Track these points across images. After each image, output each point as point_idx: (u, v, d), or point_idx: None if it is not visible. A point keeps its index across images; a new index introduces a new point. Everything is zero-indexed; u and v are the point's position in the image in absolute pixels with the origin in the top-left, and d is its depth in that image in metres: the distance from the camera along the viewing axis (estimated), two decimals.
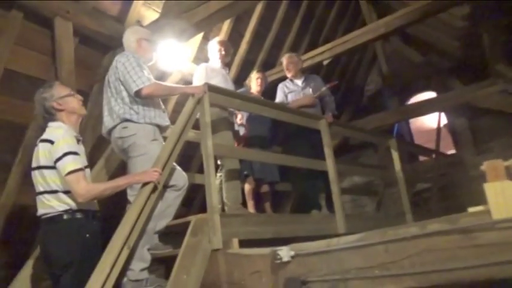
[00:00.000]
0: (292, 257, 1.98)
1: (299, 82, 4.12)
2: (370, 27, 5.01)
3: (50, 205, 2.05)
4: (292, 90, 4.09)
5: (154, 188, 2.18)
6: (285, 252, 1.97)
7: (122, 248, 1.89)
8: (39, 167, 2.09)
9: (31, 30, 3.24)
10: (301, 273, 1.95)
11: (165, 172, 2.28)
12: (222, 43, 3.77)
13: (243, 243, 2.37)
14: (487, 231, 1.55)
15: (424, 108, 5.97)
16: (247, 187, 3.80)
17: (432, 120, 7.21)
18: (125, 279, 2.30)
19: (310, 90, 4.06)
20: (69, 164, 2.01)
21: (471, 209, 1.60)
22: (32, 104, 3.40)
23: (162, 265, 2.69)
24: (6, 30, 3.05)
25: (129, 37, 2.72)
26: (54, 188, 2.06)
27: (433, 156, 5.86)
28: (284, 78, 4.39)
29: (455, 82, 6.54)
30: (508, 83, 4.94)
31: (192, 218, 2.36)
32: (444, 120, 6.69)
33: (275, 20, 5.55)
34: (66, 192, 2.06)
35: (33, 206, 2.15)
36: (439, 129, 6.21)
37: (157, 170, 2.19)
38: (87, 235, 2.06)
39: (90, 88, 3.75)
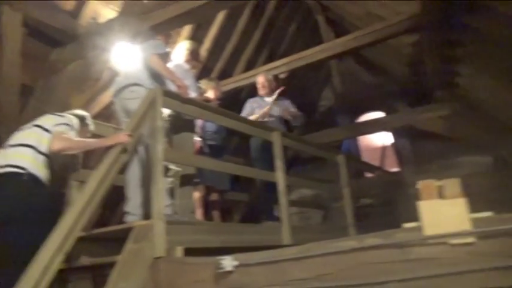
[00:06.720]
0: (236, 267, 1.98)
1: (269, 100, 4.38)
2: (327, 45, 5.21)
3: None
4: (261, 106, 4.33)
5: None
6: (228, 262, 1.95)
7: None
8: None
9: None
10: (244, 283, 1.95)
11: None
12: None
13: (190, 253, 2.32)
14: (419, 246, 1.66)
15: (372, 126, 6.24)
16: (196, 194, 3.76)
17: (380, 139, 7.58)
18: None
19: (278, 109, 4.34)
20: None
21: (406, 225, 1.70)
22: None
23: (88, 274, 2.55)
24: None
25: None
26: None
27: (377, 173, 6.14)
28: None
29: (401, 104, 6.93)
30: (446, 109, 5.30)
31: (135, 224, 2.30)
32: (391, 140, 7.06)
33: (235, 30, 5.60)
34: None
35: None
36: (384, 147, 6.53)
37: (128, 133, 2.34)
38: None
39: (34, 82, 3.56)
